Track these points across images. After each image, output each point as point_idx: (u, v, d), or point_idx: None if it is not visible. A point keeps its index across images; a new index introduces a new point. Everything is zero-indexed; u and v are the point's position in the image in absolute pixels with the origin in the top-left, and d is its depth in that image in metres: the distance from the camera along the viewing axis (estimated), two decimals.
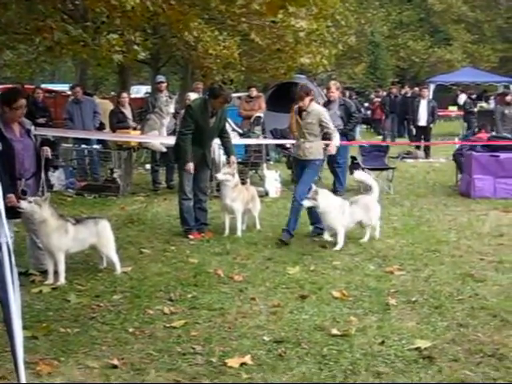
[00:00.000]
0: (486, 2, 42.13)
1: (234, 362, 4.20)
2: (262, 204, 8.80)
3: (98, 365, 4.21)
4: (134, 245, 7.53)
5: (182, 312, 5.25)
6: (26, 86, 17.84)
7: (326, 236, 7.56)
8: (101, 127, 13.20)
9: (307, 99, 7.70)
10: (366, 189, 8.11)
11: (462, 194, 11.00)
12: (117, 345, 4.56)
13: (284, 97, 15.34)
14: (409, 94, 23.04)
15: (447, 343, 4.53)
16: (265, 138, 14.04)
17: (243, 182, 8.68)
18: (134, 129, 11.80)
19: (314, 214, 7.82)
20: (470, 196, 10.60)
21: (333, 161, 11.28)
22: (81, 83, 16.74)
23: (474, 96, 24.62)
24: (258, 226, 8.41)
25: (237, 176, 8.22)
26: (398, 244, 7.53)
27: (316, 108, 7.87)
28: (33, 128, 6.32)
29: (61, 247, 6.09)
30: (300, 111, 7.78)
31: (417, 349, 4.40)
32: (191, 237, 7.85)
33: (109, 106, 14.29)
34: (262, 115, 14.61)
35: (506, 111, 15.61)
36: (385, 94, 25.24)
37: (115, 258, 6.41)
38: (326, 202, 7.38)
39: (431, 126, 17.62)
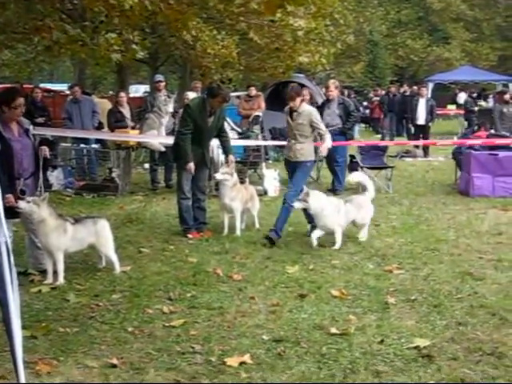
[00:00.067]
0: (484, 0, 42.17)
1: (233, 361, 4.20)
2: (260, 203, 8.79)
3: (98, 364, 4.21)
4: (133, 244, 7.53)
5: (181, 311, 5.25)
6: (24, 86, 17.86)
7: (314, 235, 7.33)
8: (99, 127, 13.20)
9: (298, 100, 7.61)
10: (364, 188, 8.10)
11: (460, 193, 11.00)
12: (116, 344, 4.56)
13: (283, 96, 15.32)
14: (407, 93, 23.06)
15: (446, 342, 4.53)
16: (263, 136, 14.04)
17: (242, 181, 8.67)
18: (133, 128, 11.79)
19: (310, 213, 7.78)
20: (468, 194, 10.60)
21: (332, 160, 11.30)
22: (79, 82, 16.76)
23: (475, 95, 24.61)
24: (257, 225, 8.40)
25: (235, 175, 8.22)
26: (396, 243, 7.53)
27: (307, 109, 7.76)
28: (31, 127, 6.32)
29: (60, 247, 6.09)
30: (291, 112, 7.70)
31: (416, 347, 4.40)
32: (190, 236, 7.85)
33: (107, 105, 14.28)
34: (260, 114, 14.61)
35: (505, 110, 15.63)
36: (383, 92, 25.25)
37: (114, 258, 6.41)
38: (318, 203, 7.25)
39: (430, 124, 17.61)
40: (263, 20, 15.24)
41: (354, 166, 11.45)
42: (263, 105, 14.90)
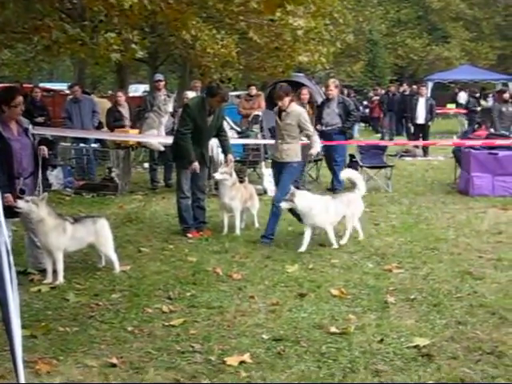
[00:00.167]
0: None
1: (232, 361, 4.20)
2: (260, 202, 8.78)
3: (97, 364, 4.21)
4: (133, 243, 7.53)
5: (181, 310, 5.25)
6: (24, 85, 17.85)
7: (307, 234, 7.22)
8: (99, 126, 13.19)
9: (286, 99, 7.48)
10: (354, 185, 8.01)
11: (460, 192, 11.00)
12: (116, 343, 4.56)
13: None
14: (407, 92, 23.03)
15: (446, 341, 4.53)
16: (263, 136, 14.04)
17: (241, 181, 8.68)
18: (131, 127, 11.78)
19: None
20: (468, 194, 10.60)
21: (331, 159, 11.30)
22: (79, 82, 16.73)
23: (477, 95, 24.59)
24: (257, 225, 8.40)
25: (234, 174, 8.22)
26: (396, 242, 7.53)
27: (295, 109, 7.62)
28: (31, 127, 6.32)
29: (59, 246, 6.09)
30: (280, 112, 7.61)
31: (415, 347, 4.40)
32: (190, 235, 7.85)
33: (107, 104, 14.27)
34: (260, 113, 14.60)
35: (504, 109, 15.63)
36: (383, 92, 25.24)
37: (114, 257, 6.41)
38: (305, 202, 7.17)
39: (429, 123, 17.62)
40: (263, 19, 15.22)
41: (353, 166, 11.45)
42: (263, 104, 14.90)
